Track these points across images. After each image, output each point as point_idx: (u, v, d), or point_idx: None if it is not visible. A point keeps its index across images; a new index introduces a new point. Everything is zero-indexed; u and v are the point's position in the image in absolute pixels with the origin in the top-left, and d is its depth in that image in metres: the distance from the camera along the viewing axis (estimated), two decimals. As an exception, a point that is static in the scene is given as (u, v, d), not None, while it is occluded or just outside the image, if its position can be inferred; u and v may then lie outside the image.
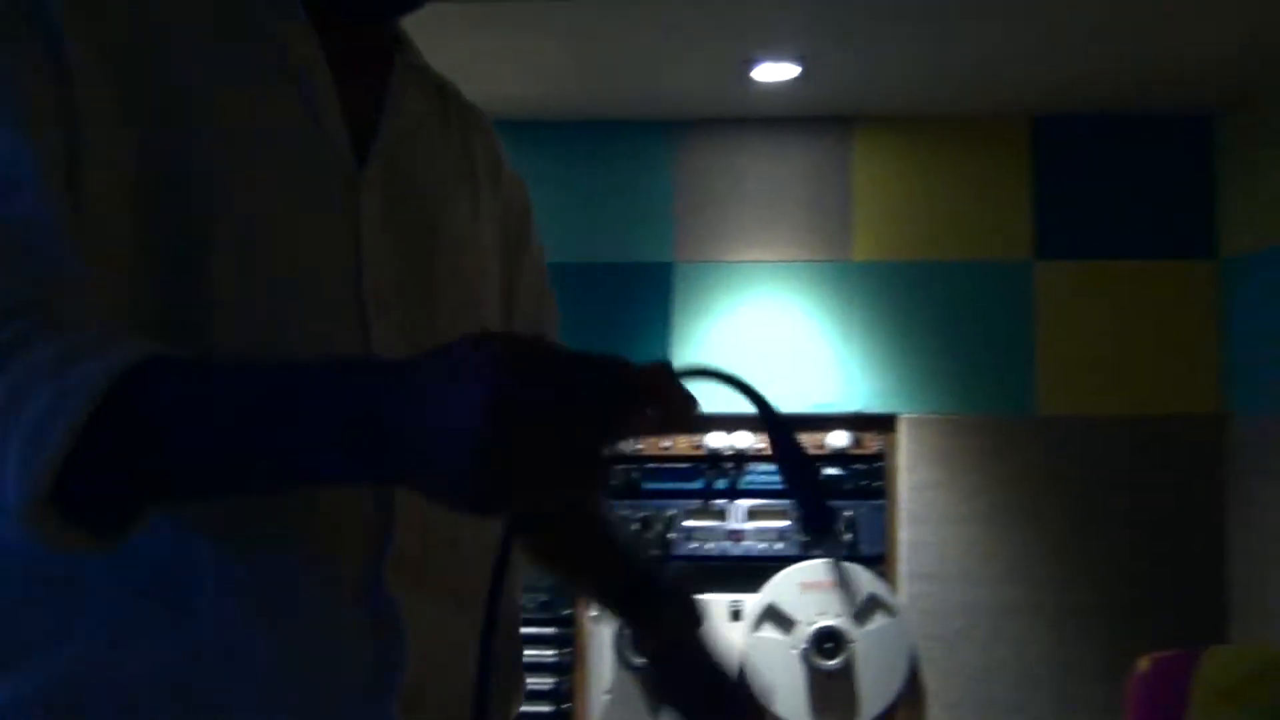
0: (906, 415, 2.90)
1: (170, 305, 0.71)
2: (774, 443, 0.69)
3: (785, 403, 3.03)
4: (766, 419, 0.69)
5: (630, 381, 0.62)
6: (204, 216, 0.71)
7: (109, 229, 0.69)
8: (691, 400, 0.65)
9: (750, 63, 2.58)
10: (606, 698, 2.77)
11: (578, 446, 0.60)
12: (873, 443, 2.89)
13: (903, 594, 2.82)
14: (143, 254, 0.70)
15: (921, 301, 2.94)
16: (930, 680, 2.83)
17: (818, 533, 0.66)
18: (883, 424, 2.90)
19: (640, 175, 2.99)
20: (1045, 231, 2.94)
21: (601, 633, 2.77)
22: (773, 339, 2.94)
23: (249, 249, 0.73)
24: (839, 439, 2.86)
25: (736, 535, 2.84)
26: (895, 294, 2.94)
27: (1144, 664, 2.18)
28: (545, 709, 2.78)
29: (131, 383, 0.62)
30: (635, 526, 2.83)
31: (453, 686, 0.76)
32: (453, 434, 0.58)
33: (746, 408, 2.92)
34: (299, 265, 0.75)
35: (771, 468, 2.83)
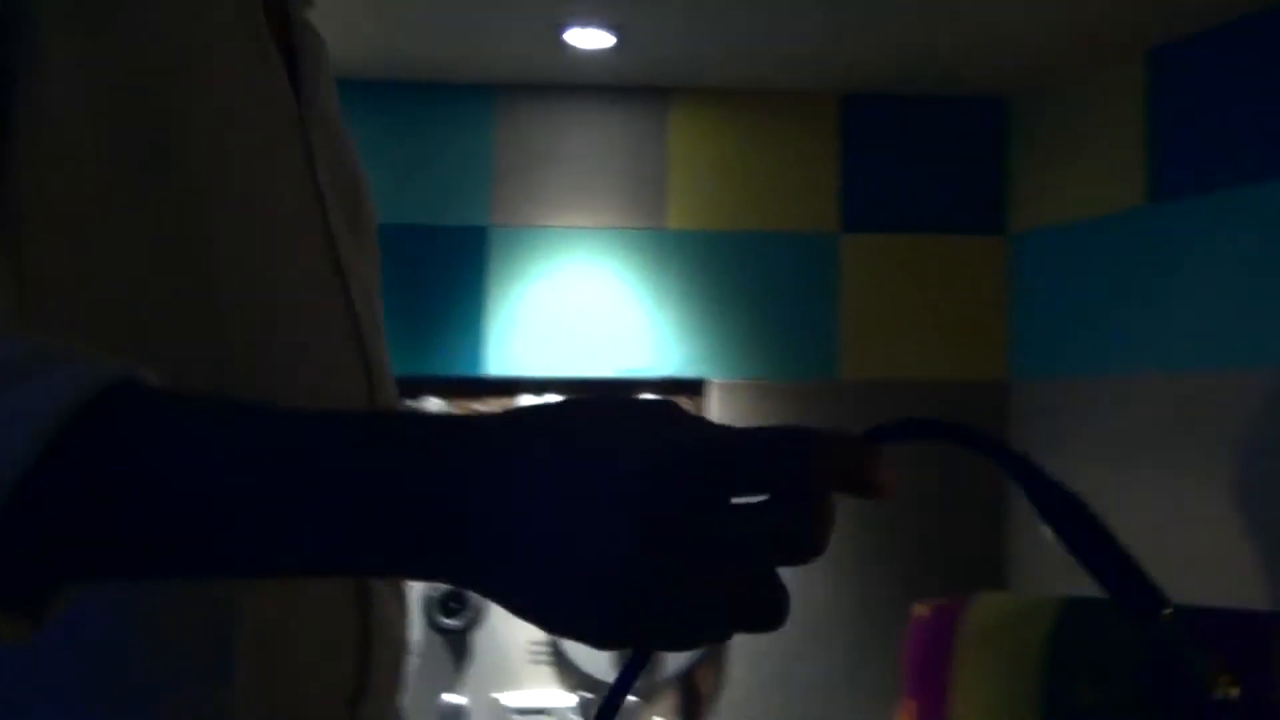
0: (717, 380, 2.98)
1: (161, 244, 0.61)
2: (1058, 518, 0.50)
3: (599, 367, 3.07)
4: (1033, 488, 0.51)
5: (830, 479, 0.46)
6: (186, 154, 0.63)
7: (71, 151, 0.58)
8: (894, 481, 0.49)
9: (562, 27, 2.59)
10: (414, 660, 2.77)
11: (755, 585, 0.45)
12: (685, 407, 2.97)
13: (711, 553, 2.91)
14: (120, 190, 0.60)
15: (733, 270, 3.02)
16: (735, 635, 2.93)
17: (1148, 613, 0.48)
18: (694, 389, 2.98)
19: (456, 138, 2.97)
20: (850, 205, 3.06)
21: (409, 595, 2.77)
22: (587, 304, 2.97)
23: (233, 186, 0.65)
24: (651, 403, 2.92)
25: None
26: (708, 262, 3.01)
27: (921, 610, 2.31)
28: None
29: (85, 425, 0.45)
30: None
31: (393, 685, 0.74)
32: (592, 571, 0.43)
33: (554, 368, 2.97)
34: (281, 204, 0.69)
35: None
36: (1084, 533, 0.49)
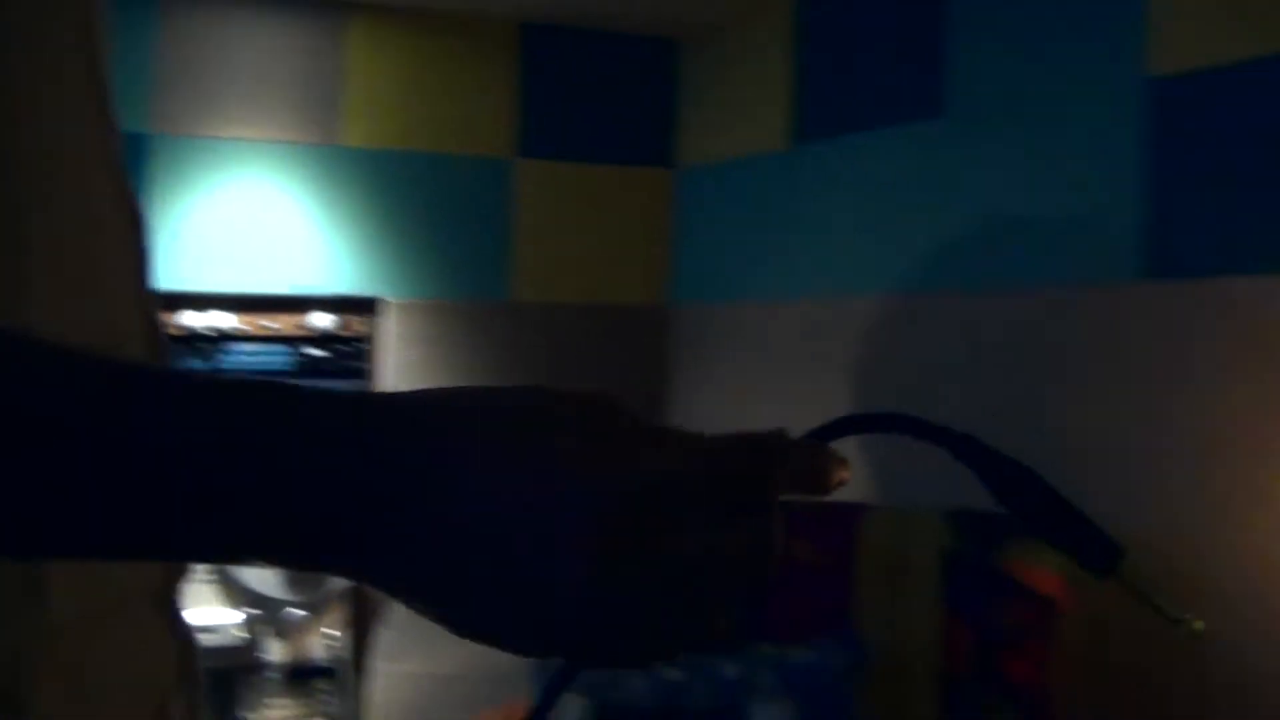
0: (393, 300, 3.01)
1: None
2: (1007, 493, 0.49)
3: (269, 284, 3.05)
4: (979, 467, 0.50)
5: (790, 484, 0.45)
6: None
7: None
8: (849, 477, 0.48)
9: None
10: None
11: (709, 607, 0.42)
12: (359, 325, 2.98)
13: (383, 469, 2.96)
14: None
15: (410, 190, 3.04)
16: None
17: (1107, 569, 0.49)
18: (369, 307, 3.00)
19: (115, 40, 2.80)
20: (528, 132, 3.14)
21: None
22: (257, 219, 2.91)
23: (37, 99, 0.56)
24: (323, 320, 2.91)
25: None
26: (384, 181, 3.02)
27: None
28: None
29: None
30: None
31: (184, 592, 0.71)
32: (545, 592, 0.39)
33: (222, 284, 2.95)
34: (83, 116, 0.62)
35: (256, 348, 2.84)
36: (1035, 502, 0.50)
